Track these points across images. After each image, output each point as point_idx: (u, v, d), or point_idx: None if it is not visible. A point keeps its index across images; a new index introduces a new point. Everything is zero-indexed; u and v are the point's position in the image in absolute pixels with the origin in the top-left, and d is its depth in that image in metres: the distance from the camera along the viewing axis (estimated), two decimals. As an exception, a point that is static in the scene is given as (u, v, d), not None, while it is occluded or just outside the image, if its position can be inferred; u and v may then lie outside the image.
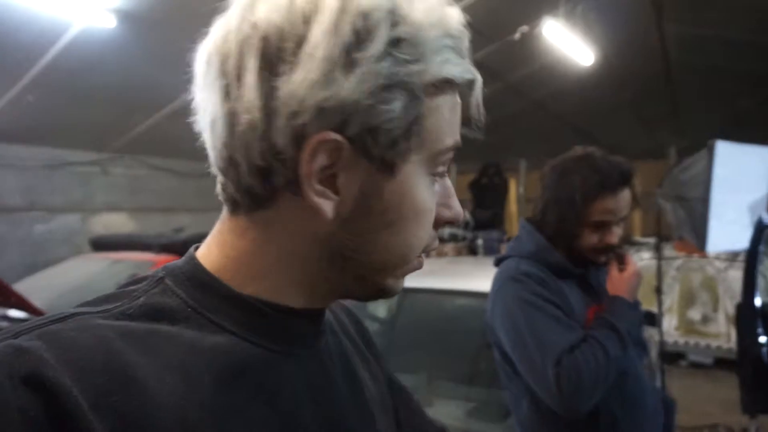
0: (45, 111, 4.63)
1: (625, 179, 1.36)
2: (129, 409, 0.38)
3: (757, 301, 2.82)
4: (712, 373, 5.05)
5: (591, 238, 1.36)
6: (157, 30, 3.85)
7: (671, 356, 5.20)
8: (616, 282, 1.39)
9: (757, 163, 3.17)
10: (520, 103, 7.30)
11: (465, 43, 0.47)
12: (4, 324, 2.13)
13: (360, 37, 0.41)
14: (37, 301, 2.52)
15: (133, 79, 4.36)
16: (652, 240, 4.63)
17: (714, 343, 5.10)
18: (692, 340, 5.22)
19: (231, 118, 0.43)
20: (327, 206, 0.44)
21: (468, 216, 7.64)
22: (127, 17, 3.64)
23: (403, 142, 0.44)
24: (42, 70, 4.04)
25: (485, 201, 9.24)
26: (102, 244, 4.31)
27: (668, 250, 5.34)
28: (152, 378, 0.40)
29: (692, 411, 4.08)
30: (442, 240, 7.37)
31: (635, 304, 1.40)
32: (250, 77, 0.42)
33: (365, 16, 0.41)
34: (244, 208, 0.47)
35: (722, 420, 3.75)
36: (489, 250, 6.35)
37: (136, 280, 0.48)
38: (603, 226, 1.36)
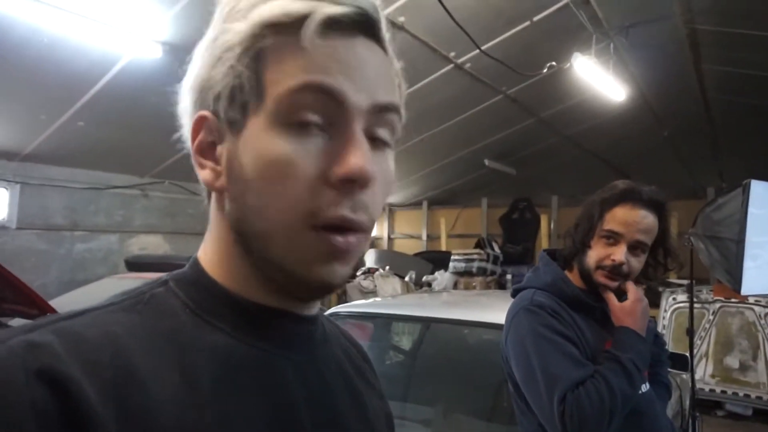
0: (92, 136, 4.87)
1: (650, 200, 1.35)
2: (132, 404, 0.39)
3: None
4: (750, 425, 4.79)
5: (600, 252, 1.35)
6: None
7: (707, 405, 4.96)
8: (617, 313, 1.35)
9: (795, 204, 3.07)
10: (553, 138, 7.28)
11: None
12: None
13: (213, 28, 0.48)
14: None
15: (174, 108, 4.55)
16: (687, 282, 4.48)
17: (753, 393, 4.84)
18: (730, 389, 4.97)
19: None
20: (207, 175, 0.48)
21: (498, 250, 7.57)
22: (171, 48, 3.83)
23: (239, 95, 0.45)
24: (92, 98, 4.27)
25: (515, 236, 9.15)
26: (136, 265, 4.43)
27: (705, 294, 5.16)
28: (154, 376, 0.41)
29: (729, 464, 3.88)
30: (470, 274, 7.34)
31: (643, 333, 1.34)
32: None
33: (221, 10, 0.48)
34: (207, 201, 0.52)
35: (761, 475, 3.53)
36: (518, 286, 6.24)
37: (142, 285, 0.50)
38: (614, 240, 1.34)
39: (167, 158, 5.60)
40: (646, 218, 1.34)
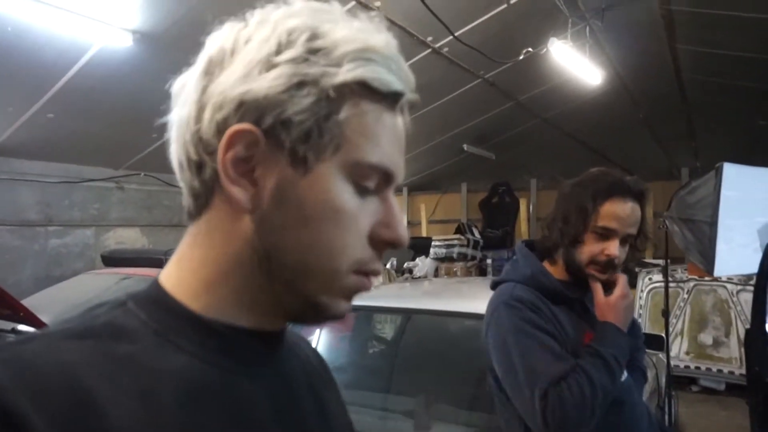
0: (63, 128, 4.75)
1: (636, 192, 1.36)
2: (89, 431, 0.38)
3: None
4: (724, 399, 4.94)
5: (593, 247, 1.34)
6: (171, 50, 3.95)
7: (682, 381, 5.10)
8: (602, 307, 1.36)
9: (767, 186, 3.14)
10: (531, 122, 7.32)
11: (394, 61, 0.49)
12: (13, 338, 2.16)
13: (281, 47, 0.46)
14: (45, 316, 2.56)
15: (148, 98, 4.44)
16: (662, 262, 4.58)
17: (726, 368, 4.99)
18: (704, 365, 5.12)
19: (179, 123, 0.49)
20: (242, 195, 0.47)
21: (478, 235, 7.63)
22: (143, 37, 3.74)
23: (316, 137, 0.46)
24: (61, 89, 4.15)
25: (495, 220, 9.23)
26: (113, 259, 4.37)
27: (680, 273, 5.27)
28: (111, 403, 0.40)
29: (704, 438, 4.00)
30: (451, 259, 7.39)
31: (625, 329, 1.35)
32: (191, 84, 0.49)
33: (289, 32, 0.47)
34: (194, 211, 0.50)
35: (735, 448, 3.66)
36: (499, 270, 6.32)
37: (99, 305, 0.48)
38: (607, 236, 1.33)
39: (142, 149, 5.49)
40: (635, 211, 1.35)
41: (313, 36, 0.46)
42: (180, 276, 0.50)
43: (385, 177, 0.50)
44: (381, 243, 0.50)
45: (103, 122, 4.79)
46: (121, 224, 6.08)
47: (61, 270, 5.38)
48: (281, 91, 0.45)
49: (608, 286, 1.39)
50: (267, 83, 0.45)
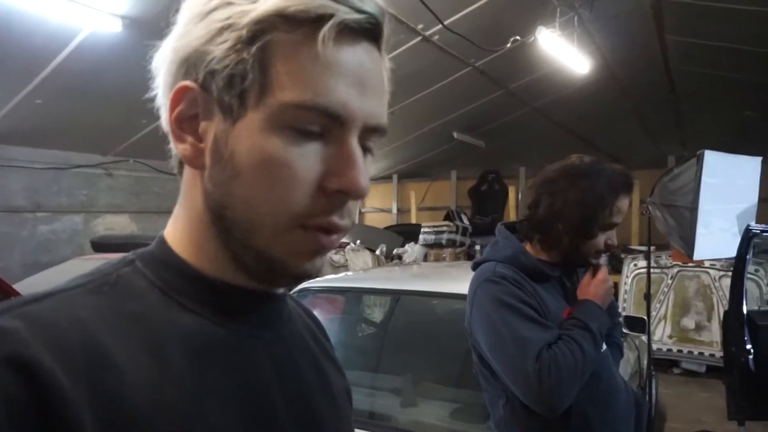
0: (52, 114, 4.73)
1: (632, 184, 1.45)
2: (105, 387, 0.38)
3: (744, 309, 2.86)
4: (704, 380, 5.07)
5: (600, 239, 1.41)
6: (161, 35, 3.94)
7: (664, 364, 5.23)
8: (584, 287, 1.44)
9: (746, 173, 3.21)
10: (521, 110, 7.36)
11: None
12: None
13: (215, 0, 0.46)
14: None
15: (137, 84, 4.40)
16: (646, 248, 4.66)
17: (707, 351, 5.12)
18: (685, 348, 5.24)
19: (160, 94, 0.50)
20: (182, 147, 0.47)
21: (467, 222, 7.69)
22: (132, 23, 3.72)
23: (239, 83, 0.44)
24: (50, 74, 4.13)
25: (484, 207, 9.30)
26: (102, 245, 4.37)
27: (665, 259, 5.37)
28: (125, 358, 0.40)
29: (684, 418, 4.12)
30: (440, 246, 7.46)
31: (605, 307, 1.43)
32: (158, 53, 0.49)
33: None
34: (178, 172, 0.51)
35: (714, 427, 3.77)
36: (486, 256, 6.37)
37: (107, 263, 0.49)
38: (611, 229, 1.42)
39: (131, 136, 5.48)
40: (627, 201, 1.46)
41: None
42: (175, 234, 0.50)
43: (332, 118, 0.44)
44: (333, 193, 0.45)
45: (92, 108, 4.77)
46: (110, 210, 6.07)
47: (50, 256, 5.38)
48: (205, 42, 0.44)
49: (595, 271, 1.47)
50: (195, 36, 0.45)
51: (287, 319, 0.56)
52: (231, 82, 0.44)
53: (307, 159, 0.45)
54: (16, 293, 2.48)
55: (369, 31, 0.46)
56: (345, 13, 0.43)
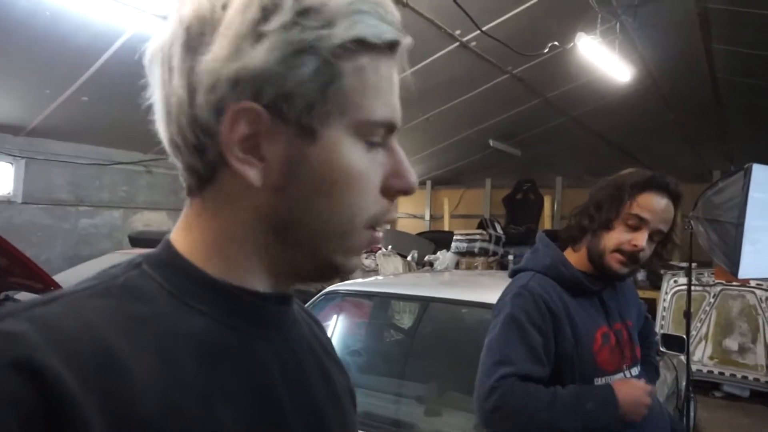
0: (95, 112, 4.88)
1: (674, 191, 1.35)
2: (116, 391, 0.38)
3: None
4: (747, 406, 4.85)
5: (622, 235, 1.33)
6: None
7: (705, 386, 5.01)
8: (624, 382, 1.31)
9: (798, 189, 3.05)
10: (558, 119, 7.22)
11: (385, 9, 0.47)
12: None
13: (266, 13, 0.43)
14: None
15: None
16: (686, 264, 4.50)
17: (751, 375, 4.89)
18: (728, 371, 5.01)
19: (167, 103, 0.47)
20: (252, 173, 0.46)
21: (500, 231, 7.58)
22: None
23: (320, 105, 0.45)
24: (94, 73, 4.26)
25: (519, 217, 9.15)
26: (140, 240, 4.48)
27: (707, 277, 5.16)
28: (135, 361, 0.40)
29: (724, 444, 3.93)
30: (472, 254, 7.37)
31: (622, 415, 1.25)
32: (176, 62, 0.46)
33: None
34: (195, 188, 0.50)
35: (755, 455, 3.59)
36: (519, 266, 6.26)
37: (114, 266, 0.48)
38: (637, 227, 1.33)
39: (171, 135, 5.60)
40: (669, 208, 1.35)
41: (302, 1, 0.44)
42: (191, 242, 0.49)
43: (389, 127, 0.49)
44: (394, 193, 0.51)
45: (134, 107, 4.73)
46: (149, 207, 6.22)
47: (90, 249, 5.54)
48: (278, 63, 0.43)
49: (623, 278, 1.39)
50: (261, 56, 0.43)
51: (293, 321, 0.56)
52: (312, 104, 0.45)
53: (375, 167, 0.49)
54: (57, 285, 2.55)
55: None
56: (401, 37, 0.48)
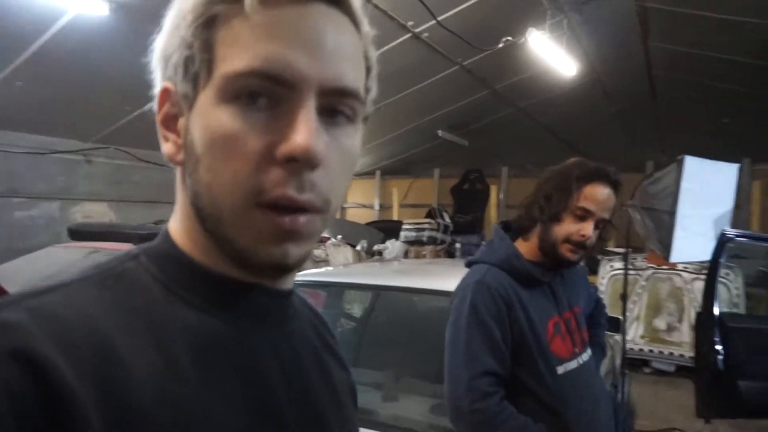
0: (32, 98, 4.62)
1: (614, 180, 1.45)
2: (112, 382, 0.38)
3: (716, 311, 2.95)
4: (673, 380, 5.21)
5: (570, 227, 1.41)
6: (149, 22, 3.86)
7: (636, 363, 5.34)
8: None
9: (724, 179, 3.30)
10: (505, 111, 7.42)
11: None
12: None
13: None
14: (12, 287, 2.53)
15: (123, 70, 4.34)
16: (623, 250, 4.76)
17: (677, 352, 5.25)
18: (656, 348, 5.37)
19: None
20: (168, 148, 0.48)
21: (448, 220, 7.75)
22: (120, 7, 3.66)
23: (192, 67, 0.44)
24: (31, 57, 4.03)
25: (466, 206, 9.37)
26: (80, 233, 4.30)
27: (640, 261, 5.48)
28: (131, 353, 0.40)
29: (654, 416, 4.22)
30: (421, 243, 7.50)
31: None
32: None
33: None
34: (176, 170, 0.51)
35: (682, 425, 3.87)
36: (467, 254, 6.43)
37: (114, 257, 0.49)
38: (584, 218, 1.41)
39: (113, 122, 5.39)
40: (611, 197, 1.44)
41: None
42: (176, 228, 0.50)
43: (277, 82, 0.42)
44: (283, 161, 0.42)
45: (74, 93, 4.68)
46: (89, 198, 5.96)
47: (25, 243, 5.26)
48: (168, 39, 0.46)
49: (574, 265, 1.49)
50: (163, 36, 0.46)
51: (292, 315, 0.56)
52: (186, 69, 0.44)
53: (254, 128, 0.42)
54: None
55: None
56: None
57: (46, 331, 0.37)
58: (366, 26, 0.49)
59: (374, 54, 0.51)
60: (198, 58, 0.43)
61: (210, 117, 0.43)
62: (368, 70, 0.50)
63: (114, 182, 6.12)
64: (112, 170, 6.08)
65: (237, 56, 0.42)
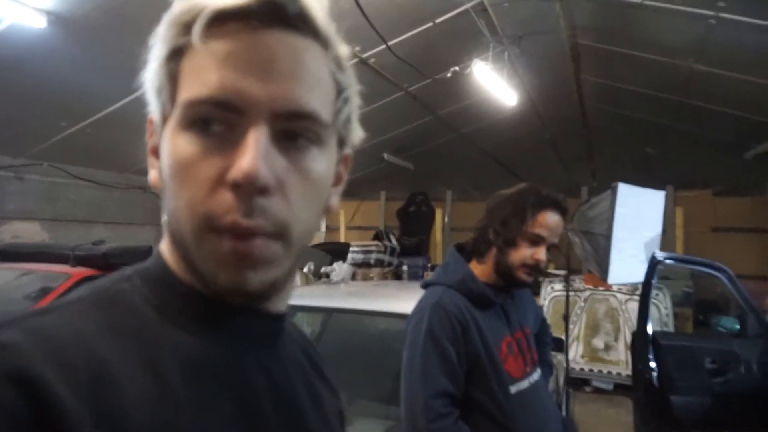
0: (-43, 110, 4.36)
1: (564, 208, 1.53)
2: (107, 404, 0.38)
3: (650, 330, 3.11)
4: (612, 398, 5.41)
5: (525, 252, 1.47)
6: (89, 35, 3.75)
7: (577, 382, 5.53)
8: None
9: (653, 205, 3.53)
10: (449, 136, 7.64)
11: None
12: None
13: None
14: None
15: (59, 84, 4.19)
16: (563, 272, 4.95)
17: (615, 370, 5.48)
18: (596, 367, 5.59)
19: None
20: (150, 175, 0.50)
21: (395, 242, 7.81)
22: (58, 20, 3.53)
23: (161, 97, 0.47)
24: (-42, 67, 3.83)
25: (412, 228, 9.50)
26: (9, 254, 4.04)
27: (578, 283, 5.72)
28: (126, 376, 0.40)
29: (594, 433, 4.37)
30: (368, 265, 7.51)
31: None
32: None
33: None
34: None
35: (621, 442, 4.02)
36: (414, 276, 6.53)
37: (107, 278, 0.49)
38: (537, 243, 1.48)
39: (47, 138, 5.13)
40: (560, 223, 1.52)
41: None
42: (166, 249, 0.50)
43: (228, 109, 0.43)
44: (229, 183, 0.42)
45: (5, 107, 4.43)
46: (19, 217, 5.61)
47: (-54, 264, 4.88)
48: (148, 71, 0.47)
49: (530, 287, 1.55)
50: (147, 68, 0.48)
51: (283, 338, 0.56)
52: (157, 100, 0.47)
53: (207, 153, 0.43)
54: None
55: (273, 15, 0.43)
56: (221, 4, 0.42)
57: (42, 352, 0.37)
58: (337, 48, 0.49)
59: (348, 75, 0.51)
60: (165, 90, 0.46)
61: (171, 144, 0.45)
62: (339, 92, 0.50)
63: (48, 200, 5.80)
64: (45, 188, 5.76)
65: (193, 85, 0.43)
